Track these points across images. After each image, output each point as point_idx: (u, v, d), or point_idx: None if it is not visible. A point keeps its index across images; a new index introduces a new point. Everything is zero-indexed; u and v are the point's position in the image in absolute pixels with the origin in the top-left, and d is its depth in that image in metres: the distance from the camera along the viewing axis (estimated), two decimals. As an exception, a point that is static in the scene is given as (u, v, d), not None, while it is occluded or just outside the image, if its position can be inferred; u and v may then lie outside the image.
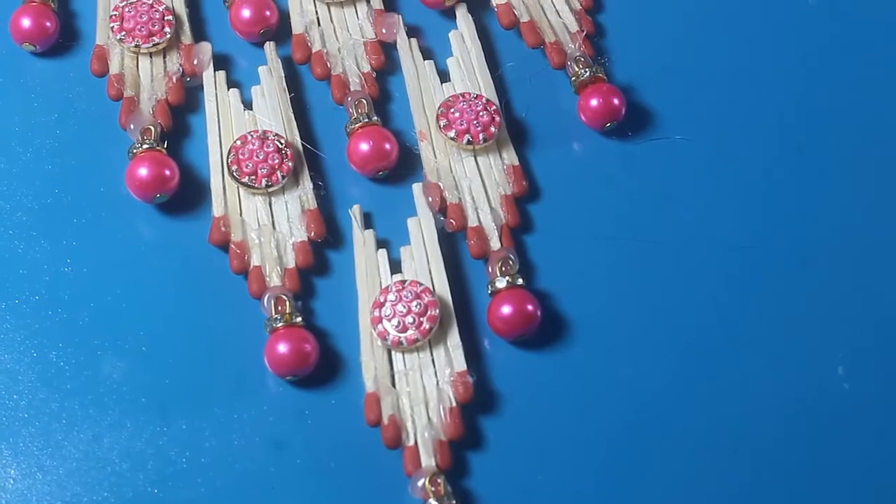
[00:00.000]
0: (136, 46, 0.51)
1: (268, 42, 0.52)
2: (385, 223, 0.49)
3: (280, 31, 0.53)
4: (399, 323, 0.46)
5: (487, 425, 0.46)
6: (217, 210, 0.49)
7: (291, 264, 0.48)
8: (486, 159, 0.50)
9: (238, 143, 0.49)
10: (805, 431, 0.47)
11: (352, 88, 0.51)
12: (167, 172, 0.49)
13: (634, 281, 0.49)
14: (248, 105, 0.51)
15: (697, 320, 0.48)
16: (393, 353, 0.47)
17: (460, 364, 0.46)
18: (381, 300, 0.47)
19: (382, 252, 0.48)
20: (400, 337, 0.46)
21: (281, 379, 0.46)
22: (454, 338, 0.47)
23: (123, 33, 0.51)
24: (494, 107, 0.51)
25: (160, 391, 0.46)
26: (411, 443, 0.45)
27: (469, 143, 0.50)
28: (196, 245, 0.48)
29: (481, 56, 0.52)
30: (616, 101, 0.51)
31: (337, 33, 0.52)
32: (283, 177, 0.49)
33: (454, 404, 0.46)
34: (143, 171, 0.48)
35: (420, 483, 0.44)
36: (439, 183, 0.50)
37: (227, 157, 0.49)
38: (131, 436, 0.46)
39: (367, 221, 0.49)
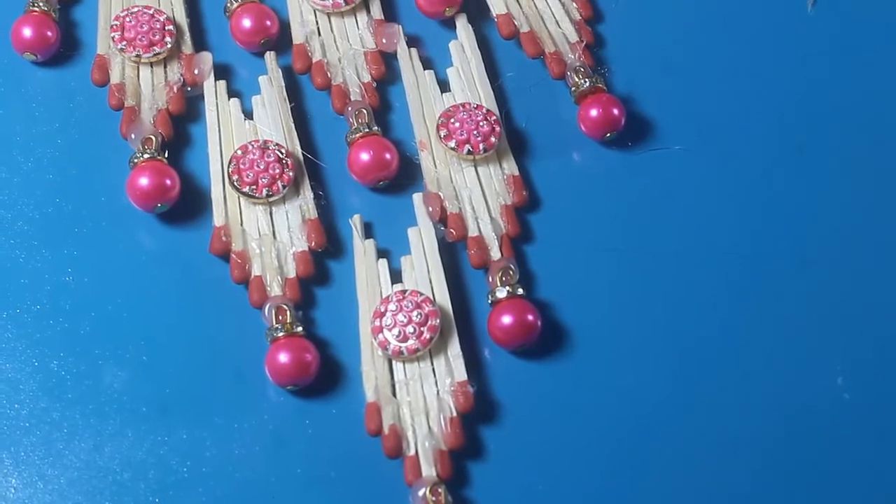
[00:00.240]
0: (137, 56, 0.51)
1: (268, 52, 0.52)
2: (385, 233, 0.49)
3: (280, 40, 0.53)
4: (400, 333, 0.46)
5: (488, 435, 0.46)
6: (218, 220, 0.49)
7: (292, 274, 0.48)
8: (487, 169, 0.50)
9: (239, 152, 0.49)
10: (805, 441, 0.47)
11: (352, 98, 0.51)
12: (168, 182, 0.49)
13: (634, 291, 0.49)
14: (248, 115, 0.51)
15: (697, 330, 0.48)
16: (393, 362, 0.47)
17: (461, 374, 0.46)
18: (382, 310, 0.47)
19: (383, 262, 0.48)
20: (400, 347, 0.46)
21: (282, 388, 0.46)
22: (455, 348, 0.47)
23: (124, 43, 0.51)
24: (494, 117, 0.51)
25: (161, 400, 0.46)
26: (412, 452, 0.45)
27: (469, 153, 0.50)
28: (197, 255, 0.49)
29: (481, 66, 0.52)
30: (616, 112, 0.51)
31: (337, 43, 0.53)
32: (284, 186, 0.49)
33: (455, 414, 0.46)
34: (143, 181, 0.48)
35: (421, 493, 0.44)
36: (439, 193, 0.50)
37: (228, 167, 0.49)
38: (132, 445, 0.46)
39: (368, 231, 0.50)
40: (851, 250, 0.50)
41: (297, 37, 0.53)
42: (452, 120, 0.50)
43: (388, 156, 0.50)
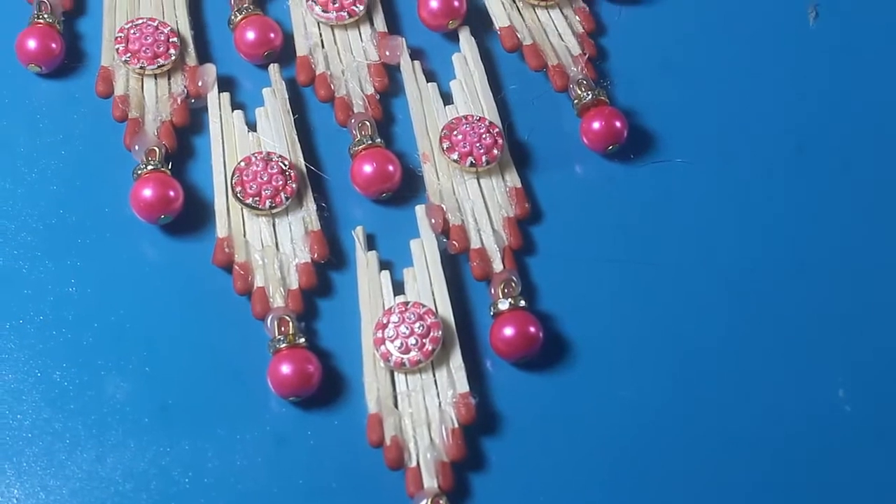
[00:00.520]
0: (141, 68, 0.51)
1: (272, 64, 0.53)
2: (388, 245, 0.50)
3: (284, 53, 0.53)
4: (402, 344, 0.46)
5: (489, 447, 0.46)
6: (221, 231, 0.49)
7: (295, 285, 0.48)
8: (489, 181, 0.51)
9: (242, 164, 0.50)
10: (807, 453, 0.47)
11: (355, 110, 0.51)
12: (171, 193, 0.49)
13: (636, 303, 0.49)
14: (252, 126, 0.51)
15: (698, 342, 0.48)
16: (395, 374, 0.47)
17: (463, 385, 0.46)
18: (384, 321, 0.47)
19: (385, 273, 0.48)
20: (403, 358, 0.46)
21: (284, 399, 0.46)
22: (457, 359, 0.47)
23: (129, 55, 0.51)
24: (497, 129, 0.51)
25: (163, 411, 0.46)
26: (413, 464, 0.45)
27: (472, 165, 0.50)
28: (200, 266, 0.49)
29: (484, 79, 0.52)
30: (618, 124, 0.51)
31: (341, 55, 0.53)
32: (287, 198, 0.49)
33: (456, 425, 0.46)
34: (147, 192, 0.49)
35: (422, 504, 0.44)
36: (442, 205, 0.50)
37: (231, 179, 0.49)
38: (135, 456, 0.46)
39: (370, 243, 0.50)
40: (853, 264, 0.50)
41: (301, 49, 0.53)
42: (455, 132, 0.50)
43: (390, 168, 0.50)
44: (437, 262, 0.49)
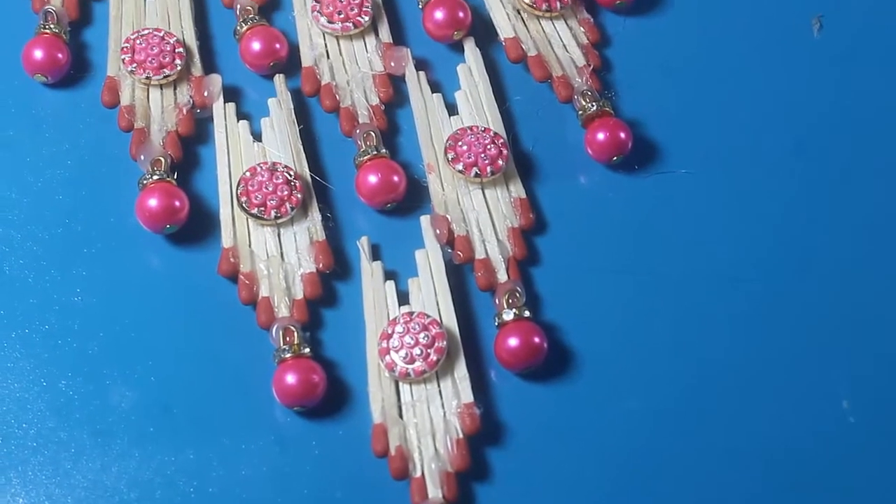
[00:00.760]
0: (147, 78, 0.52)
1: (277, 74, 0.53)
2: (393, 255, 0.50)
3: (290, 63, 0.53)
4: (406, 354, 0.46)
5: (494, 457, 0.46)
6: (226, 241, 0.49)
7: (300, 295, 0.48)
8: (494, 192, 0.51)
9: (247, 174, 0.50)
10: (811, 465, 0.47)
11: (360, 121, 0.51)
12: (177, 203, 0.49)
13: (640, 314, 0.49)
14: (257, 137, 0.51)
15: (703, 353, 0.48)
16: (400, 384, 0.47)
17: (467, 396, 0.46)
18: (389, 331, 0.47)
19: (390, 284, 0.49)
20: (407, 368, 0.46)
21: (289, 409, 0.46)
22: (461, 369, 0.47)
23: (134, 65, 0.52)
24: (502, 140, 0.51)
25: (168, 421, 0.46)
26: (418, 474, 0.45)
27: (477, 175, 0.50)
28: (205, 276, 0.49)
29: (489, 89, 0.53)
30: (622, 135, 0.51)
31: (346, 66, 0.53)
32: (292, 208, 0.49)
33: (461, 436, 0.46)
34: (153, 202, 0.49)
35: (427, 514, 0.44)
36: (447, 215, 0.50)
37: (237, 189, 0.49)
38: (139, 465, 0.46)
39: (375, 253, 0.50)
40: (857, 275, 0.50)
41: (306, 60, 0.53)
42: (460, 143, 0.51)
43: (395, 178, 0.50)
44: (441, 272, 0.49)
